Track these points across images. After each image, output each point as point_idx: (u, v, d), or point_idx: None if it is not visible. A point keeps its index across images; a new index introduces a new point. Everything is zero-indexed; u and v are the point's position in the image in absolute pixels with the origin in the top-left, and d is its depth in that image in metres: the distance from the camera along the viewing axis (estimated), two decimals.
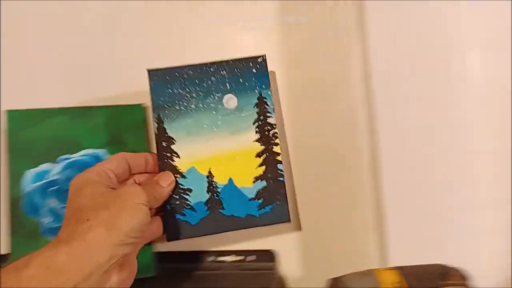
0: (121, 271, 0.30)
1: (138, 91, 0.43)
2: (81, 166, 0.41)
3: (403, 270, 0.33)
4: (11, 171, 0.40)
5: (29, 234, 0.39)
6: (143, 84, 0.41)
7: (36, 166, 0.40)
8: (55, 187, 0.40)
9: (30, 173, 0.40)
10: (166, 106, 0.41)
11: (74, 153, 0.41)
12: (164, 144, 0.40)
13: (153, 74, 0.41)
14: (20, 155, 0.40)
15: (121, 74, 0.45)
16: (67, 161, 0.41)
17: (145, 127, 0.43)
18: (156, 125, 0.40)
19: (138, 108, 0.43)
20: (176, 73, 0.41)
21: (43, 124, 0.41)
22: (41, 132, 0.41)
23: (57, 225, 0.40)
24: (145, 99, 0.42)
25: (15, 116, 0.41)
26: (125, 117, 0.42)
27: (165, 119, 0.41)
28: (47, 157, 0.40)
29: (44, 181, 0.39)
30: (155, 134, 0.40)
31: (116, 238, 0.29)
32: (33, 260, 0.27)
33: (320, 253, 0.43)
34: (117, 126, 0.42)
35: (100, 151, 0.41)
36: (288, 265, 0.42)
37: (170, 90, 0.41)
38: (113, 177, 0.35)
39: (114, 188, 0.34)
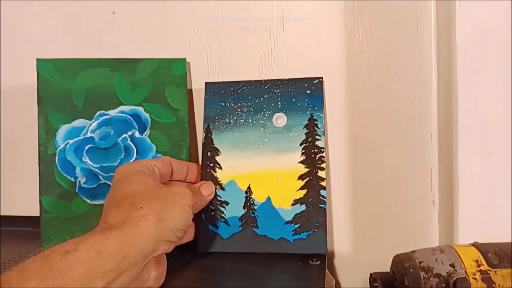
0: (158, 267, 0.30)
1: (178, 45, 0.43)
2: (118, 124, 0.42)
3: (480, 247, 0.28)
4: (44, 123, 0.41)
5: (63, 193, 0.41)
6: (185, 38, 0.42)
7: (71, 122, 0.40)
8: (90, 145, 0.41)
9: (65, 128, 0.42)
10: (217, 118, 0.42)
11: (112, 109, 0.42)
12: (209, 154, 0.41)
13: (209, 86, 0.43)
14: (54, 108, 0.41)
15: (163, 27, 0.44)
16: (104, 117, 0.41)
17: (186, 84, 0.42)
18: (204, 135, 0.42)
19: (181, 62, 0.42)
20: (231, 88, 0.42)
21: (79, 75, 0.41)
22: (78, 84, 0.41)
23: (92, 185, 0.41)
24: (187, 55, 0.43)
25: (47, 65, 0.41)
26: (167, 71, 0.42)
27: (214, 131, 0.41)
28: (83, 112, 0.41)
29: (79, 138, 0.41)
30: (203, 144, 0.41)
31: (164, 233, 0.29)
32: (83, 243, 0.26)
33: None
34: (159, 81, 0.42)
35: (139, 109, 0.42)
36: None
37: (222, 103, 0.42)
38: (158, 175, 0.36)
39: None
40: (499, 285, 0.27)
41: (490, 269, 0.27)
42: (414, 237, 0.38)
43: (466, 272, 0.27)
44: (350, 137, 0.41)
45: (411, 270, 0.28)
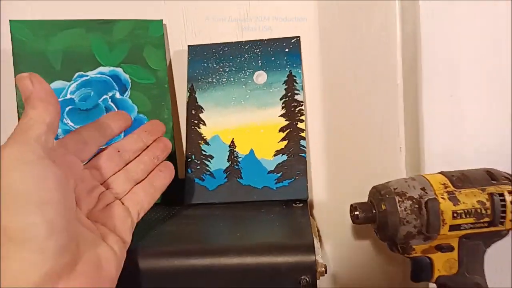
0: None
1: (154, 6, 0.44)
2: (98, 85, 0.42)
3: (446, 174, 0.32)
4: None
5: None
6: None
7: (49, 83, 0.41)
8: (70, 107, 0.41)
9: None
10: (200, 78, 0.43)
11: (90, 70, 0.42)
12: (193, 112, 0.42)
13: (192, 49, 0.44)
14: (30, 70, 0.39)
15: None
16: (82, 78, 0.42)
17: (164, 45, 0.43)
18: (188, 94, 0.43)
19: (158, 23, 0.43)
20: (213, 49, 0.44)
21: (55, 37, 0.41)
22: (54, 45, 0.40)
23: None
24: (164, 17, 0.44)
25: (21, 27, 0.40)
26: (144, 32, 0.43)
27: (197, 90, 0.43)
28: (61, 74, 0.41)
29: (59, 99, 0.39)
30: (187, 103, 0.42)
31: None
32: None
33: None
34: (136, 42, 0.42)
35: (118, 70, 0.42)
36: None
37: (205, 64, 0.43)
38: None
39: None
40: (463, 203, 0.30)
41: (455, 189, 0.31)
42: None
43: (435, 193, 0.31)
44: (326, 91, 0.43)
45: (387, 195, 0.31)
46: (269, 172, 0.40)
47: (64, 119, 0.42)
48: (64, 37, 0.43)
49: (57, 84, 0.43)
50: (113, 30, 0.43)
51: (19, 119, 0.40)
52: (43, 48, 0.42)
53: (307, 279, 0.27)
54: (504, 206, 0.30)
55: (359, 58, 0.43)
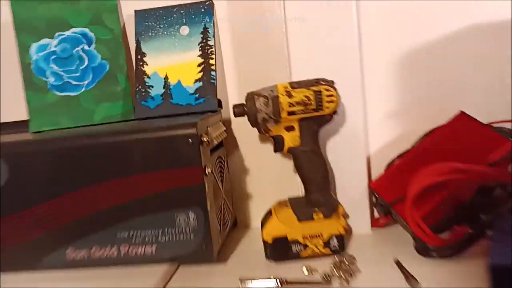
0: None
1: None
2: (72, 41, 0.61)
3: (292, 83, 0.51)
4: (20, 43, 0.60)
5: (39, 89, 0.60)
6: None
7: (39, 40, 0.61)
8: (54, 56, 0.61)
9: (35, 46, 0.61)
10: (143, 33, 0.61)
11: (66, 30, 0.61)
12: (139, 56, 0.61)
13: (137, 13, 0.62)
14: (26, 31, 0.60)
15: None
16: (61, 36, 0.61)
17: (117, 10, 0.61)
18: (135, 44, 0.61)
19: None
20: (152, 12, 0.62)
21: (40, 7, 0.60)
22: (40, 13, 0.60)
23: (59, 83, 0.61)
24: None
25: (19, 2, 0.60)
26: (101, 3, 0.61)
27: (142, 41, 0.61)
28: (46, 34, 0.61)
29: (46, 51, 0.61)
30: (135, 50, 0.61)
31: None
32: None
33: None
34: (97, 9, 0.61)
35: (85, 30, 0.61)
36: None
37: (146, 23, 0.61)
38: None
39: None
40: (295, 96, 0.49)
41: (292, 89, 0.50)
42: None
43: (278, 93, 0.49)
44: (233, 35, 0.62)
45: (250, 96, 0.50)
46: (191, 94, 0.59)
47: (51, 65, 0.61)
48: (46, 9, 0.61)
49: (44, 41, 0.61)
50: (80, 2, 0.62)
51: (21, 66, 0.60)
52: (32, 17, 0.61)
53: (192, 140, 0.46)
54: (321, 98, 0.49)
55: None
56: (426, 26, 0.58)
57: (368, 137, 0.61)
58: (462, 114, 0.55)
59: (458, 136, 0.53)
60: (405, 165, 0.55)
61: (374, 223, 0.59)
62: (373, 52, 0.59)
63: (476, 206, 0.50)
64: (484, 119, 0.54)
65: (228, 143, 0.64)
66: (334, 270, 0.46)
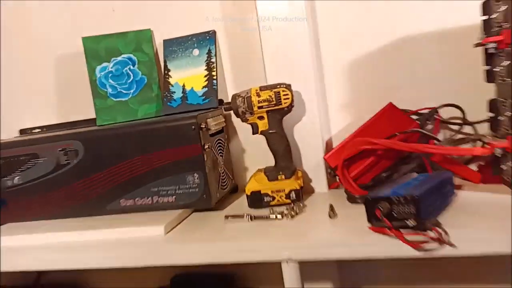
0: None
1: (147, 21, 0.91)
2: (122, 63, 0.89)
3: (261, 86, 0.75)
4: (89, 66, 0.90)
5: (102, 97, 0.90)
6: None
7: (100, 64, 0.90)
8: (111, 74, 0.90)
9: (98, 67, 0.91)
10: (168, 55, 0.88)
11: (117, 56, 0.90)
12: (165, 72, 0.88)
13: (165, 41, 0.89)
14: (92, 57, 0.90)
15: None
16: (115, 60, 0.90)
17: (152, 40, 0.89)
18: (163, 63, 0.88)
19: (148, 31, 0.89)
20: (174, 40, 0.88)
21: (101, 40, 0.90)
22: (101, 45, 0.90)
23: (114, 92, 0.89)
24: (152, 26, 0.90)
25: (86, 40, 0.90)
26: (141, 36, 0.89)
27: (167, 61, 0.88)
28: (105, 59, 0.90)
29: (105, 72, 0.90)
30: (163, 67, 0.88)
31: None
32: None
33: None
34: (138, 39, 0.89)
35: (131, 55, 0.90)
36: None
37: (171, 48, 0.88)
38: None
39: None
40: (262, 96, 0.73)
41: (260, 91, 0.73)
42: None
43: (251, 94, 0.73)
44: (231, 57, 0.87)
45: (233, 96, 0.75)
46: (200, 96, 0.85)
47: (109, 80, 0.91)
48: (105, 41, 0.91)
49: (104, 64, 0.91)
50: (127, 36, 0.90)
51: (90, 82, 0.91)
52: (96, 48, 0.91)
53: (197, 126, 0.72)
54: (279, 97, 0.72)
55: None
56: (375, 33, 0.79)
57: (330, 122, 0.83)
58: (391, 104, 0.75)
59: (386, 120, 0.73)
60: (348, 142, 0.76)
61: (331, 184, 0.80)
62: (332, 55, 0.81)
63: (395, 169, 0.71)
64: (414, 107, 0.74)
65: (229, 130, 0.89)
66: (287, 211, 0.69)
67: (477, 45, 0.62)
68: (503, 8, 0.59)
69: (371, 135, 0.72)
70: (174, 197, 0.77)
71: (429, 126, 0.75)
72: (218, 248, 0.63)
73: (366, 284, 0.88)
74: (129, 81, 0.90)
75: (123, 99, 0.90)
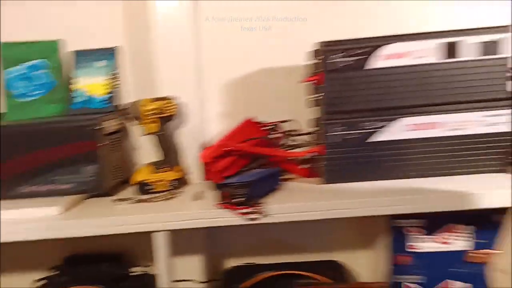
0: None
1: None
2: (32, 67, 1.02)
3: (151, 98, 0.93)
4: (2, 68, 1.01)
5: (12, 96, 1.02)
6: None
7: (13, 67, 1.02)
8: (21, 77, 1.02)
9: (10, 70, 1.02)
10: (77, 64, 1.03)
11: (29, 61, 1.02)
12: (72, 78, 1.03)
13: (76, 52, 1.04)
14: (6, 61, 1.01)
15: None
16: (26, 65, 1.02)
17: (59, 50, 1.03)
18: (72, 70, 1.03)
19: (55, 43, 1.02)
20: (85, 52, 1.04)
21: (16, 48, 1.01)
22: (15, 51, 1.01)
23: (23, 92, 1.01)
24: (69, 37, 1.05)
25: (6, 44, 1.02)
26: (50, 45, 1.03)
27: (76, 69, 1.03)
28: (18, 63, 1.02)
29: (16, 74, 1.02)
30: (71, 74, 1.03)
31: None
32: None
33: None
34: (47, 48, 1.02)
35: (40, 60, 1.03)
36: None
37: (81, 58, 1.04)
38: None
39: None
40: (149, 106, 0.92)
41: (149, 102, 0.93)
42: None
43: (141, 104, 0.92)
44: (132, 69, 1.04)
45: (130, 105, 0.93)
46: (101, 101, 1.01)
47: (19, 82, 1.02)
48: (18, 48, 1.03)
49: (15, 67, 1.03)
50: (38, 44, 1.04)
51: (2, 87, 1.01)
52: (11, 53, 1.02)
53: None
54: (164, 107, 0.92)
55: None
56: (246, 61, 1.03)
57: (209, 128, 1.05)
58: (249, 119, 0.99)
59: (245, 129, 0.98)
60: (217, 144, 0.99)
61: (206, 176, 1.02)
62: (213, 74, 1.04)
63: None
64: (269, 120, 1.00)
65: (126, 130, 1.06)
66: (165, 196, 0.89)
67: (303, 81, 0.89)
68: (320, 58, 0.86)
69: (233, 140, 0.95)
70: (72, 184, 0.92)
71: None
72: (105, 222, 0.81)
73: (231, 256, 1.11)
74: (38, 83, 1.03)
75: (31, 99, 1.03)
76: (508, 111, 0.83)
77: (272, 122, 1.00)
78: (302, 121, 0.99)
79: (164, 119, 0.94)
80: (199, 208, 0.81)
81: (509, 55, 0.82)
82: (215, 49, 1.03)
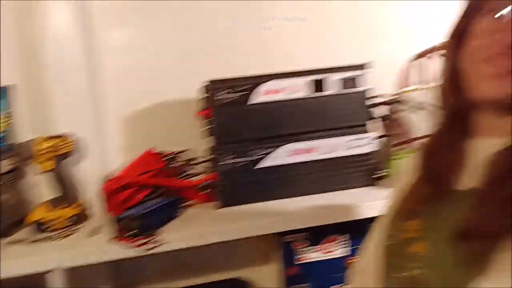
0: None
1: None
2: None
3: (48, 136, 0.94)
4: None
5: None
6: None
7: None
8: None
9: None
10: None
11: None
12: None
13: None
14: None
15: None
16: None
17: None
18: None
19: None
20: None
21: None
22: None
23: None
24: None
25: None
26: None
27: None
28: None
29: None
30: None
31: None
32: None
33: None
34: None
35: None
36: None
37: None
38: None
39: None
40: (45, 144, 0.93)
41: (45, 141, 0.94)
42: None
43: (36, 142, 0.93)
44: (30, 103, 1.04)
45: (25, 144, 0.93)
46: None
47: None
48: None
49: None
50: None
51: None
52: None
53: None
54: (59, 145, 0.94)
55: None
56: (143, 96, 1.08)
57: (110, 161, 1.08)
58: (148, 151, 1.04)
59: (145, 160, 1.03)
60: (116, 177, 1.02)
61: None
62: (113, 109, 1.07)
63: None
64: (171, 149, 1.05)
65: (23, 169, 1.05)
66: (62, 233, 0.90)
67: (197, 114, 0.98)
68: (209, 94, 0.95)
69: (134, 172, 1.00)
70: None
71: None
72: None
73: (140, 283, 1.14)
74: None
75: None
76: (368, 134, 0.99)
77: (171, 152, 1.06)
78: (199, 150, 1.06)
79: (60, 156, 0.96)
80: (94, 244, 0.84)
81: (366, 88, 0.98)
82: (112, 84, 1.08)
